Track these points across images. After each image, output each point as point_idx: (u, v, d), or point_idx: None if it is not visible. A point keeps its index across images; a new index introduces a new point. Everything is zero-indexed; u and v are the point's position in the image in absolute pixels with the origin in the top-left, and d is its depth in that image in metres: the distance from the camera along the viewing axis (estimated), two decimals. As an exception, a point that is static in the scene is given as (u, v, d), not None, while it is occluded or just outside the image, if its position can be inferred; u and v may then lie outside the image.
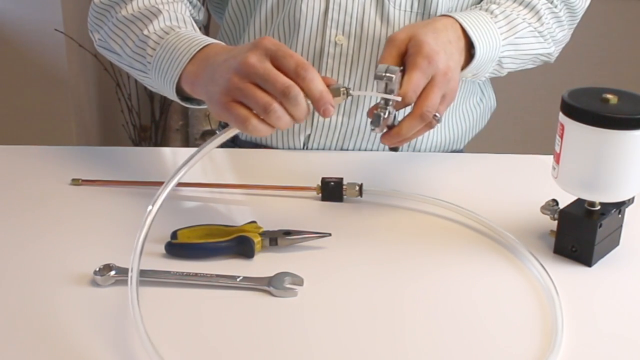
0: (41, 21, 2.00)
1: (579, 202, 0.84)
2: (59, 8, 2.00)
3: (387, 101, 0.82)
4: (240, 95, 0.77)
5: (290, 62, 0.77)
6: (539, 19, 1.06)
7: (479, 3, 1.10)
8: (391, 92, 0.82)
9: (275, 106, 0.76)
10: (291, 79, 0.76)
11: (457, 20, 0.96)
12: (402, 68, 0.85)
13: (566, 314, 0.73)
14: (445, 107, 0.88)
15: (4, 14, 2.02)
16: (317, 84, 0.77)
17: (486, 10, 1.02)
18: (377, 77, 0.81)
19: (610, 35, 2.45)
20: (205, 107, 0.95)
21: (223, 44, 0.91)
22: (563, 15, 1.10)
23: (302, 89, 0.76)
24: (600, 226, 0.81)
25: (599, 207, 0.82)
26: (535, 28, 1.05)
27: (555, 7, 1.08)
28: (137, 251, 0.70)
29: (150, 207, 0.72)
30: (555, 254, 0.84)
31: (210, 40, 0.91)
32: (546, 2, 1.07)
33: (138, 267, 0.69)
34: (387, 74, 0.81)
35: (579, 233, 0.82)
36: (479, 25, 0.97)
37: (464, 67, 0.96)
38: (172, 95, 0.93)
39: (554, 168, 0.83)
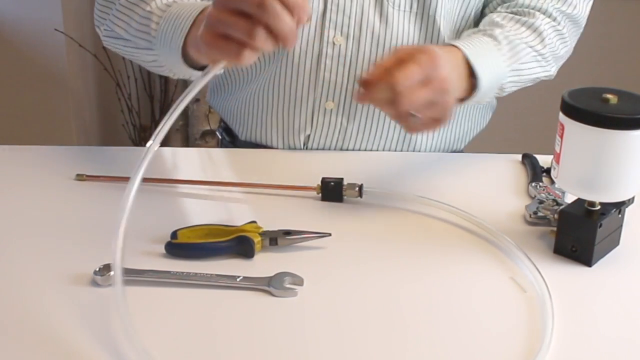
0: (41, 21, 2.00)
1: (579, 202, 0.84)
2: (59, 8, 2.00)
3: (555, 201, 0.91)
4: (222, 26, 0.75)
5: None
6: (542, 40, 1.04)
7: (479, 9, 1.11)
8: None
9: (259, 29, 0.73)
10: None
11: (459, 49, 0.94)
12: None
13: (565, 316, 0.73)
14: (430, 114, 0.85)
15: (4, 14, 2.02)
16: None
17: (489, 35, 1.00)
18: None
19: (610, 35, 2.45)
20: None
21: None
22: (567, 32, 1.08)
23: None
24: (600, 226, 0.81)
25: (599, 207, 0.82)
26: (537, 51, 1.04)
27: (558, 24, 1.07)
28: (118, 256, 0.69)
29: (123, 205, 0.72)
30: (555, 254, 0.84)
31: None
32: (549, 20, 1.06)
33: (121, 271, 0.68)
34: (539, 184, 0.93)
35: (579, 233, 0.82)
36: (483, 54, 0.96)
37: (467, 97, 0.95)
38: (179, 63, 0.91)
39: (554, 168, 0.83)
